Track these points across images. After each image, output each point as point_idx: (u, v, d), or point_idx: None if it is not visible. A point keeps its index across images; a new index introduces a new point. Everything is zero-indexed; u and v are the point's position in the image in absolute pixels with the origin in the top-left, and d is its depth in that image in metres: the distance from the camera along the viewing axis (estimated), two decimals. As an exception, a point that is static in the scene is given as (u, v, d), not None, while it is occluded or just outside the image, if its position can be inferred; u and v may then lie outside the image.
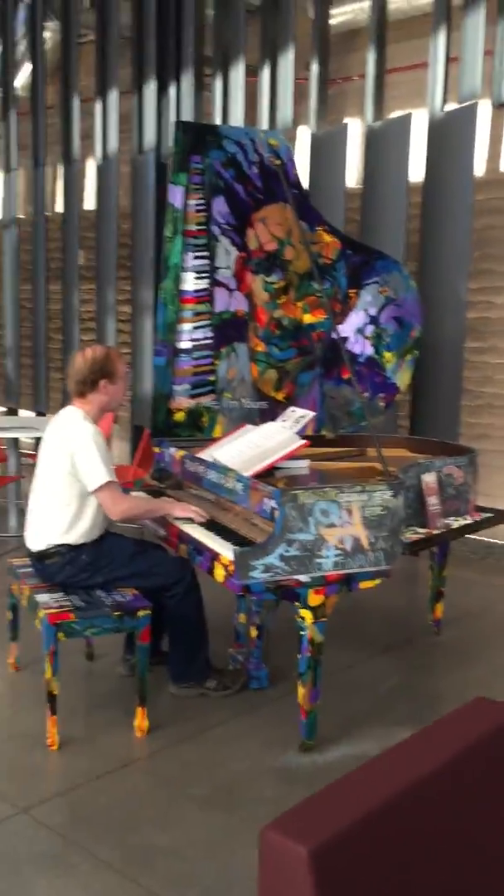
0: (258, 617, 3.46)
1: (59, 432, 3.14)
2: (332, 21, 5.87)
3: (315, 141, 5.68)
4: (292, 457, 3.35)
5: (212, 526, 3.15)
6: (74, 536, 3.12)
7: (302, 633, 2.89)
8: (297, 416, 3.52)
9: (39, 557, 3.18)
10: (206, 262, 3.76)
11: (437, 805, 1.35)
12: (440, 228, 5.04)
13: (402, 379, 4.23)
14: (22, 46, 7.89)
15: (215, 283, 3.81)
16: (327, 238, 3.94)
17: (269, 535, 2.82)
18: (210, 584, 3.30)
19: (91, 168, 7.40)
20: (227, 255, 3.80)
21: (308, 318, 4.04)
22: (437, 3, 5.06)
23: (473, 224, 5.42)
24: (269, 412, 3.94)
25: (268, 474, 3.21)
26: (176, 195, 3.64)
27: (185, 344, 3.83)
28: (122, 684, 3.40)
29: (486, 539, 5.70)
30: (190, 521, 3.20)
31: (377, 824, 1.26)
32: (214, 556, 2.92)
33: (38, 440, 6.58)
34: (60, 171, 7.47)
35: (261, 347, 4.00)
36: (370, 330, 4.12)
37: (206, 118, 6.36)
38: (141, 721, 3.03)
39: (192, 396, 3.91)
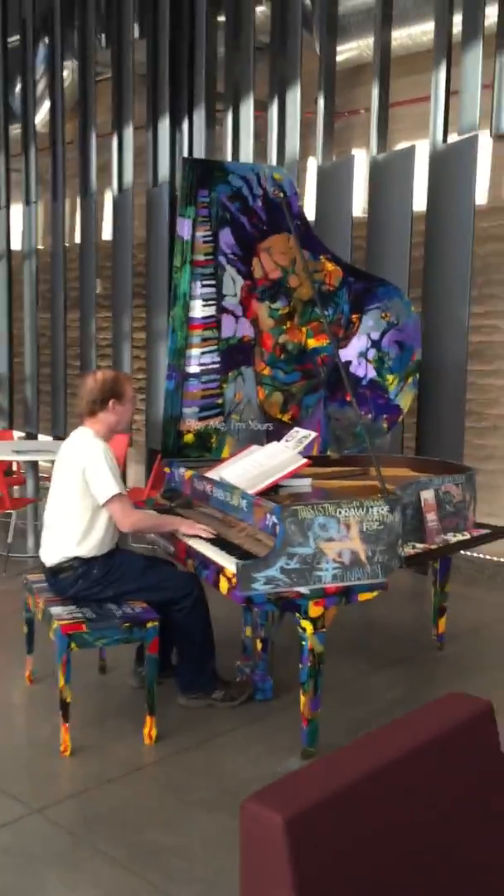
0: (263, 630, 3.58)
1: (72, 450, 3.31)
2: (338, 57, 6.09)
3: (321, 172, 5.87)
4: (295, 475, 3.49)
5: (218, 541, 3.29)
6: (86, 549, 3.27)
7: (303, 643, 3.01)
8: (301, 437, 3.67)
9: (53, 572, 3.33)
10: (213, 290, 3.94)
11: (407, 785, 1.47)
12: (443, 255, 5.20)
13: (405, 400, 4.37)
14: (42, 85, 8.20)
15: (222, 310, 3.98)
16: (330, 266, 4.11)
17: (271, 548, 2.95)
18: (217, 599, 3.44)
19: (108, 200, 7.65)
20: (233, 283, 3.97)
21: (312, 343, 4.20)
22: (437, 40, 5.26)
23: (478, 251, 5.58)
24: (276, 433, 4.08)
25: (272, 492, 3.35)
26: (184, 227, 3.83)
27: (193, 368, 4.00)
28: (132, 696, 3.53)
29: (493, 558, 5.80)
30: (197, 537, 3.34)
31: (350, 799, 1.39)
32: (219, 570, 3.06)
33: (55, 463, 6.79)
34: (78, 203, 7.73)
35: (267, 371, 4.16)
36: (373, 354, 4.27)
37: (218, 152, 6.59)
38: (150, 729, 3.16)
39: (201, 419, 4.07)
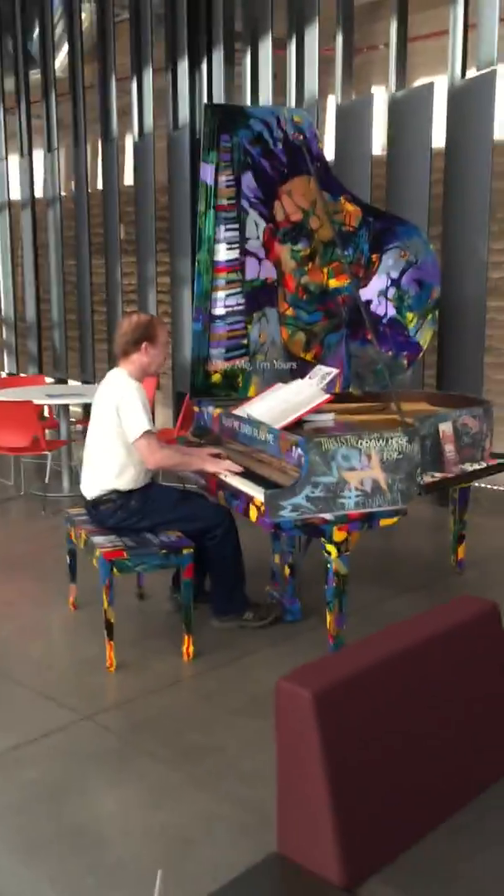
0: (291, 557, 3.80)
1: (107, 390, 3.51)
2: (356, -8, 6.06)
3: (341, 111, 5.90)
4: (319, 410, 3.67)
5: (246, 474, 3.49)
6: (123, 482, 3.48)
7: (328, 565, 3.23)
8: (324, 374, 3.83)
9: (94, 504, 3.56)
10: (236, 233, 4.06)
11: (419, 669, 1.68)
12: (461, 192, 5.25)
13: (424, 337, 4.50)
14: (60, 29, 8.19)
15: (246, 252, 4.11)
16: (350, 207, 4.21)
17: (297, 478, 3.15)
18: (247, 531, 3.66)
19: (129, 145, 7.71)
20: (256, 226, 4.09)
21: (333, 283, 4.33)
22: (455, -28, 5.23)
23: (498, 185, 5.62)
24: (299, 372, 4.24)
25: (297, 427, 3.54)
26: (207, 173, 3.94)
27: (219, 310, 4.15)
28: (169, 619, 3.79)
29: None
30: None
31: (368, 679, 1.60)
32: (249, 500, 3.27)
33: (86, 407, 7.00)
34: (100, 148, 7.79)
35: (290, 312, 4.30)
36: (392, 292, 4.39)
37: (237, 92, 6.61)
38: (188, 647, 3.41)
39: (227, 359, 4.24)
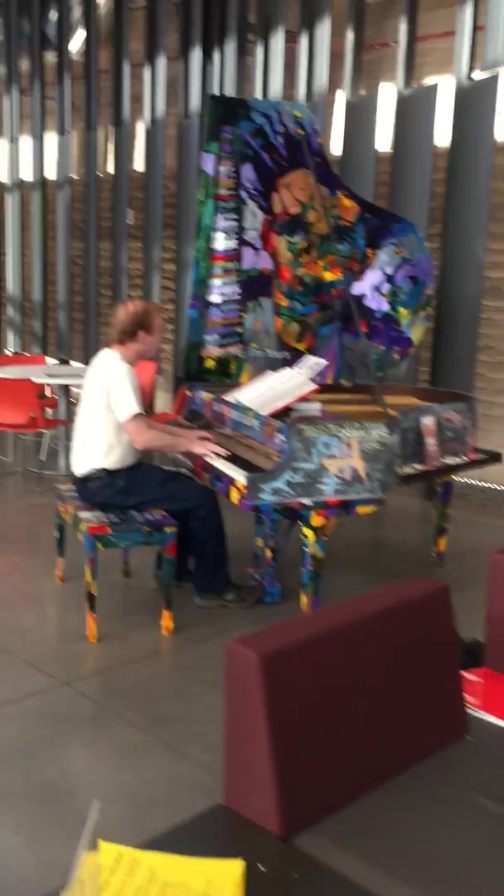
0: (273, 541, 3.91)
1: (98, 370, 3.61)
2: (369, -11, 6.12)
3: (349, 107, 5.98)
4: (307, 400, 3.77)
5: (232, 458, 3.59)
6: (111, 462, 3.59)
7: (305, 549, 3.34)
8: (312, 363, 3.93)
9: (82, 481, 3.67)
10: (234, 223, 4.16)
11: (364, 641, 1.79)
12: (462, 192, 5.33)
13: (416, 333, 4.59)
14: (77, 12, 8.26)
15: (243, 242, 4.21)
16: (347, 202, 4.30)
17: (278, 463, 3.26)
18: (233, 514, 3.77)
19: (140, 130, 7.79)
20: (254, 217, 4.19)
21: (328, 276, 4.42)
22: (466, -26, 5.29)
23: (501, 187, 5.70)
24: (292, 362, 4.34)
25: (284, 414, 3.64)
26: (208, 162, 4.04)
27: (215, 298, 4.25)
28: (153, 596, 3.90)
29: (502, 487, 6.06)
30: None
31: (314, 647, 1.71)
32: (231, 482, 3.38)
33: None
34: (111, 133, 7.88)
35: (284, 302, 4.40)
36: (386, 288, 4.48)
37: (248, 83, 6.69)
38: (167, 622, 3.53)
39: (222, 346, 4.34)
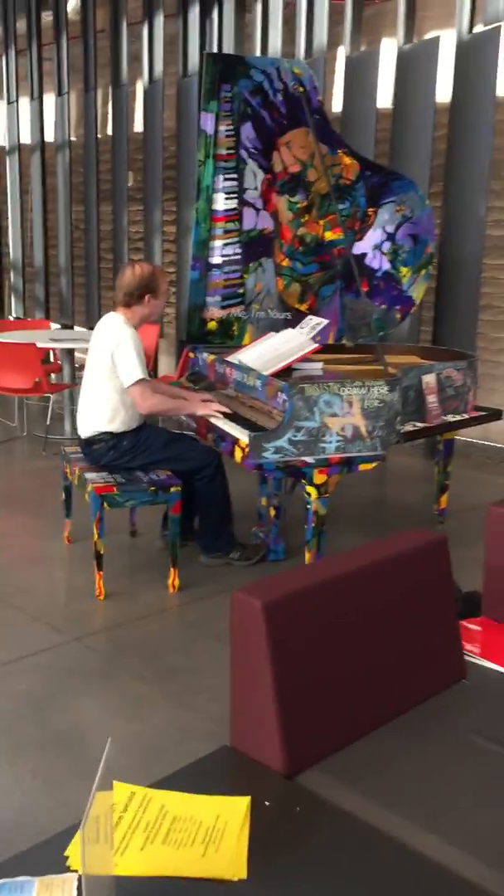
0: (276, 499, 3.97)
1: (103, 334, 3.64)
2: None
3: (349, 63, 5.91)
4: (309, 359, 3.80)
5: (234, 417, 3.64)
6: (116, 424, 3.64)
7: (308, 506, 3.39)
8: (314, 324, 3.95)
9: (88, 443, 3.72)
10: (235, 183, 4.16)
11: (369, 587, 1.85)
12: (464, 149, 5.29)
13: (418, 292, 4.59)
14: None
15: (244, 203, 4.21)
16: (347, 160, 4.28)
17: (280, 422, 3.30)
18: (236, 474, 3.82)
19: (139, 91, 7.70)
20: (254, 177, 4.18)
21: (329, 236, 4.42)
22: None
23: (499, 143, 5.64)
24: (294, 322, 4.36)
25: (286, 374, 3.67)
26: (207, 122, 4.02)
27: (216, 259, 4.26)
28: (159, 555, 3.97)
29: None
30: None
31: (316, 594, 1.76)
32: (234, 441, 3.42)
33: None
34: (110, 94, 7.80)
35: (286, 262, 4.41)
36: (387, 246, 4.48)
37: (247, 40, 6.61)
38: (173, 579, 3.60)
39: (224, 307, 4.36)
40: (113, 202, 7.82)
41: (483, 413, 4.01)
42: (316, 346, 3.75)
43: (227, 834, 1.48)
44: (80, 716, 2.69)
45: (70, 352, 6.56)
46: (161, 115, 7.18)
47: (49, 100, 8.61)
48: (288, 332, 3.93)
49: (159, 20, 7.05)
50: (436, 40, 5.34)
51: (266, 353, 3.80)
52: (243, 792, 1.59)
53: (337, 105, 6.11)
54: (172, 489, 3.55)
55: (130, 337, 3.57)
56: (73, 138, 8.51)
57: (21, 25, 8.80)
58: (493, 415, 4.06)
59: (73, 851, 1.42)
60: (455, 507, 4.60)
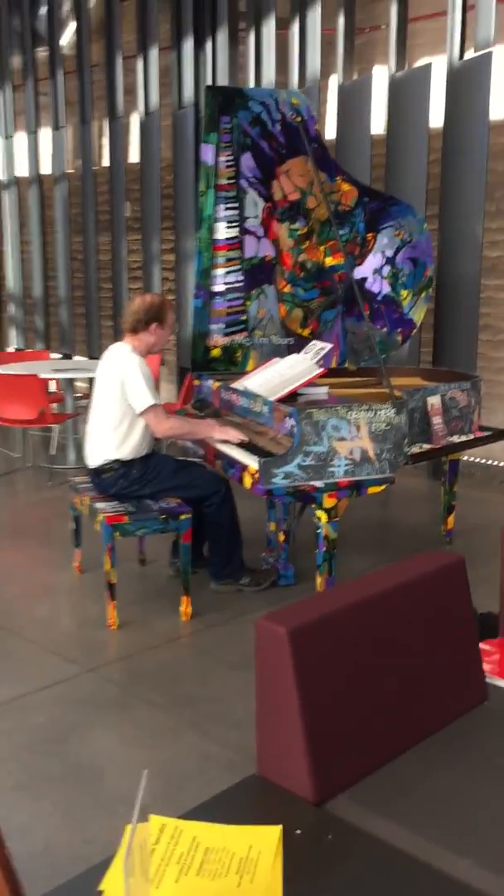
0: (285, 524, 3.98)
1: (111, 363, 3.67)
2: (358, -27, 6.13)
3: (342, 91, 6.00)
4: (314, 384, 3.83)
5: (242, 444, 3.65)
6: (125, 452, 3.66)
7: (318, 531, 3.40)
8: (318, 349, 3.99)
9: (97, 473, 3.74)
10: (236, 212, 4.21)
11: (385, 613, 1.86)
12: (458, 172, 5.37)
13: (418, 314, 4.63)
14: (67, 6, 8.26)
15: (245, 231, 4.26)
16: (346, 187, 4.34)
17: (289, 447, 3.32)
18: (245, 500, 3.83)
19: (134, 122, 7.81)
20: (254, 205, 4.24)
21: (329, 261, 4.47)
22: (455, -46, 5.30)
23: (496, 166, 5.73)
24: (296, 347, 4.40)
25: (291, 399, 3.70)
26: (207, 153, 4.08)
27: (219, 287, 4.30)
28: (169, 583, 3.98)
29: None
30: (227, 441, 3.70)
31: (339, 620, 1.77)
32: (244, 468, 3.44)
33: (91, 381, 7.16)
34: (106, 126, 7.90)
35: (287, 289, 4.45)
36: (387, 270, 4.53)
37: (241, 71, 6.71)
38: (186, 607, 3.60)
39: (227, 334, 4.40)
40: (111, 232, 7.90)
41: (488, 433, 4.03)
42: (321, 370, 3.79)
43: (261, 863, 1.48)
44: (99, 748, 2.68)
45: (71, 382, 6.59)
46: (157, 145, 7.28)
47: (46, 133, 8.71)
48: (292, 358, 3.97)
49: (154, 53, 7.17)
50: (427, 67, 5.43)
51: (271, 378, 3.83)
52: (273, 821, 1.59)
53: (331, 132, 6.20)
54: (183, 517, 3.56)
55: (138, 364, 3.60)
56: (70, 170, 8.61)
57: (17, 61, 8.94)
58: (498, 434, 4.08)
59: (108, 885, 1.42)
60: (460, 527, 4.61)
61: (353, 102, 5.89)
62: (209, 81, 6.71)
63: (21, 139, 9.16)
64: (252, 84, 6.47)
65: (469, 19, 5.35)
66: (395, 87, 5.69)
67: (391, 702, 1.83)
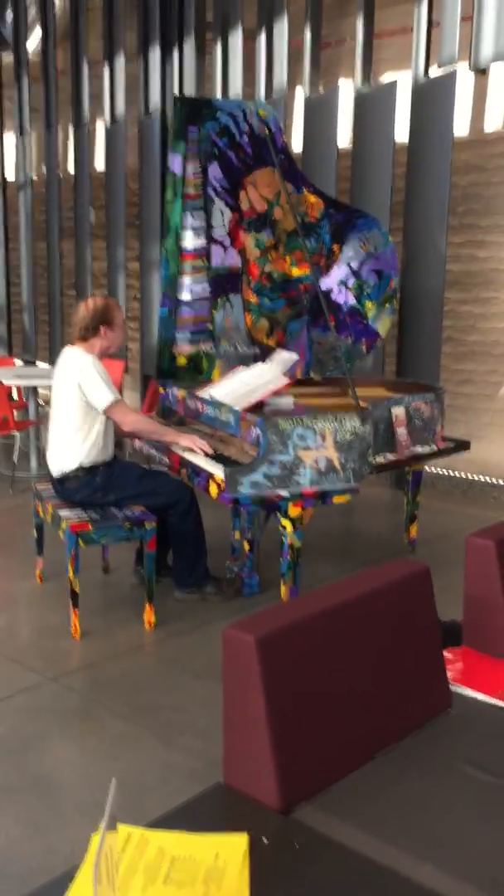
0: (250, 533, 3.98)
1: (65, 367, 3.64)
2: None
3: (308, 104, 6.06)
4: (280, 393, 3.84)
5: (207, 454, 3.65)
6: (88, 457, 3.62)
7: (283, 539, 3.41)
8: (283, 358, 4.01)
9: (60, 481, 3.70)
10: (203, 222, 4.22)
11: (357, 619, 1.87)
12: (423, 187, 5.44)
13: (383, 325, 4.69)
14: (33, 12, 8.23)
15: (212, 240, 4.27)
16: (312, 199, 4.38)
17: (255, 456, 3.33)
18: (210, 508, 3.83)
19: (100, 130, 7.79)
20: (221, 215, 4.25)
21: (296, 272, 4.50)
22: (420, -28, 5.39)
23: (459, 181, 5.82)
24: (262, 357, 4.41)
25: (257, 408, 3.71)
26: (175, 162, 4.08)
27: (185, 296, 4.31)
28: (133, 592, 3.95)
29: (466, 475, 6.20)
30: (191, 450, 3.70)
31: (309, 627, 1.78)
32: (209, 476, 3.44)
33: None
34: (71, 133, 7.87)
35: (253, 299, 4.47)
36: (352, 282, 4.57)
37: (207, 81, 6.74)
38: (149, 615, 3.58)
39: (193, 343, 4.40)
40: (76, 239, 7.86)
41: (451, 445, 4.08)
42: (287, 380, 3.80)
43: (229, 872, 1.47)
44: (60, 757, 2.65)
45: (34, 389, 6.53)
46: (123, 153, 7.26)
47: (10, 139, 8.65)
48: (258, 367, 3.98)
49: (120, 60, 7.16)
50: (393, 85, 5.50)
51: (237, 388, 3.84)
52: (240, 829, 1.58)
53: (297, 145, 6.25)
54: (147, 525, 3.55)
55: (92, 363, 3.57)
56: (34, 177, 8.55)
57: (-19, 66, 8.86)
58: (461, 446, 4.13)
59: (74, 895, 1.40)
60: (423, 537, 4.66)
61: (320, 115, 5.94)
62: (176, 90, 6.73)
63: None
64: (219, 94, 6.50)
65: (434, 36, 5.44)
66: (361, 103, 5.75)
67: (357, 709, 1.84)
